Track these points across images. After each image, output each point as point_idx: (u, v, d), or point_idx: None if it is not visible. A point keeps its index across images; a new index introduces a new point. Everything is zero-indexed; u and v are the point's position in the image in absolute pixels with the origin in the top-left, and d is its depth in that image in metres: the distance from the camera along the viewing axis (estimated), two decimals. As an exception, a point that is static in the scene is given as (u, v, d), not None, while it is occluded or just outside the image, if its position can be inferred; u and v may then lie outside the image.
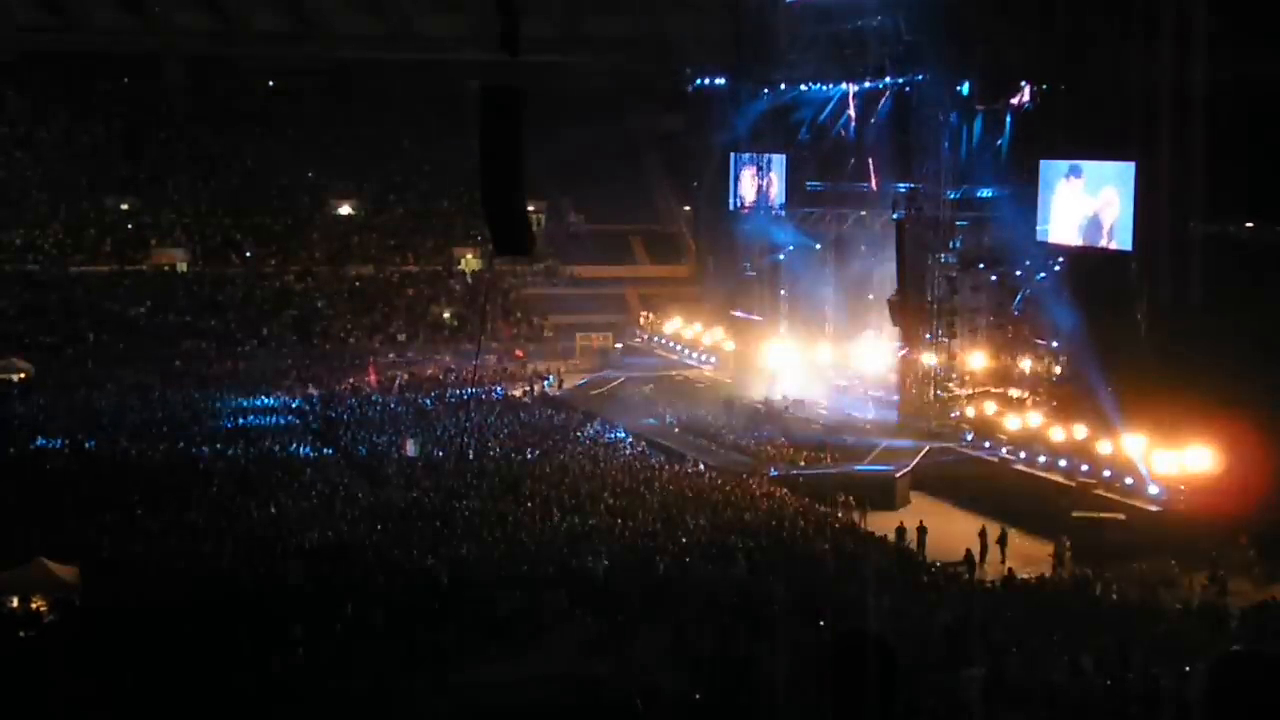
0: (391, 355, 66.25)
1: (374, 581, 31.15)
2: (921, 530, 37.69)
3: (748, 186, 64.40)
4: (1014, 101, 48.96)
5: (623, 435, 50.04)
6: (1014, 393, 48.38)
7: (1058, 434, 43.15)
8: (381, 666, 25.75)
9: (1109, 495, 39.73)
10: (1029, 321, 49.06)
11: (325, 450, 46.51)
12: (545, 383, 60.65)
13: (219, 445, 46.21)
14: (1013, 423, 45.48)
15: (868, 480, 43.50)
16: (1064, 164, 46.97)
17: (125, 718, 23.95)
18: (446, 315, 71.96)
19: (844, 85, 57.20)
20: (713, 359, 64.44)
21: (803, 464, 45.90)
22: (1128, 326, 42.54)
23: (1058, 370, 47.60)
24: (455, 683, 25.56)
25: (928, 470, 45.30)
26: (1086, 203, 45.86)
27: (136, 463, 44.00)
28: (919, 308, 50.50)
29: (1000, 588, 33.78)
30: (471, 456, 44.90)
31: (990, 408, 47.20)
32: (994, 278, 50.25)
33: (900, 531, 37.58)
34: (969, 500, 41.99)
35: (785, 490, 41.89)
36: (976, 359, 49.91)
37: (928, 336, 50.47)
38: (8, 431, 48.10)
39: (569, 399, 58.25)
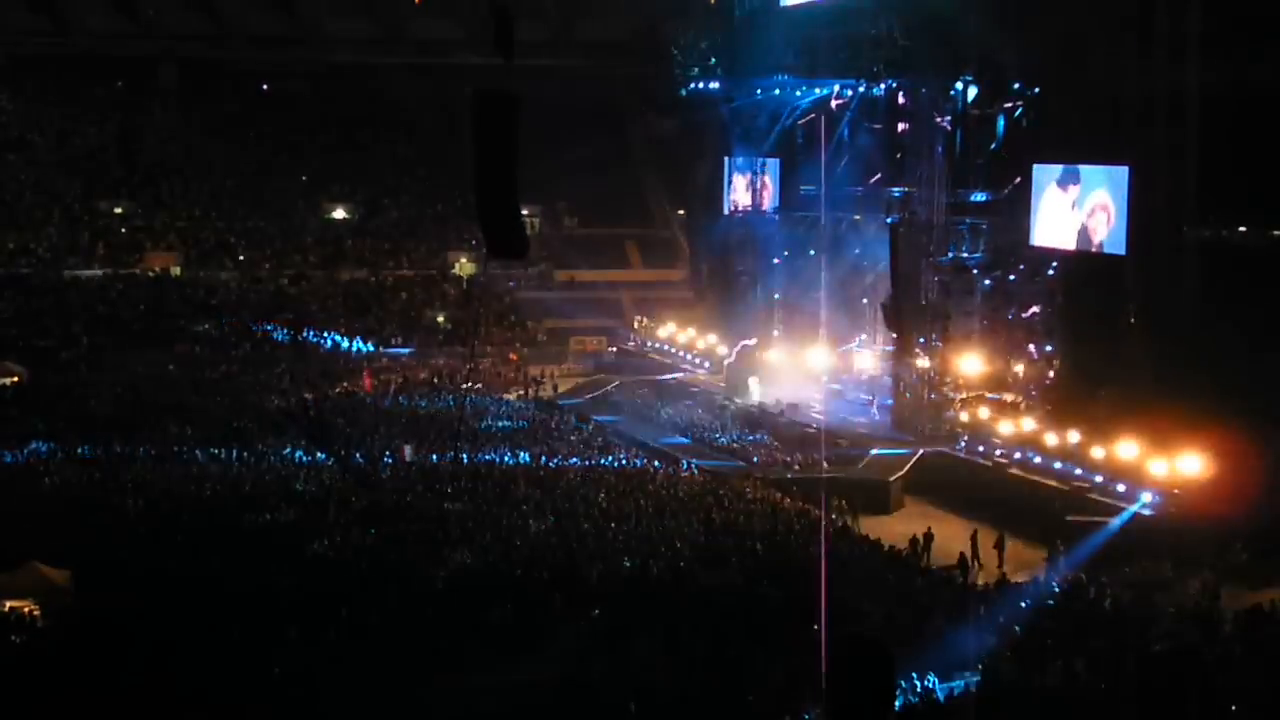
0: (385, 360, 66.11)
1: (368, 586, 31.10)
2: (928, 537, 37.62)
3: (742, 190, 64.49)
4: (1007, 105, 49.09)
5: (616, 439, 50.05)
6: (1008, 397, 48.43)
7: (1051, 438, 43.18)
8: (376, 671, 25.72)
9: (1102, 499, 39.82)
10: (1023, 325, 49.12)
11: (319, 454, 46.39)
12: (539, 387, 60.65)
13: (212, 449, 46.17)
14: (1007, 427, 45.51)
15: (862, 484, 43.55)
16: (1058, 168, 47.02)
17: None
18: (440, 319, 71.90)
19: (838, 89, 57.30)
20: (706, 363, 64.46)
21: (797, 468, 45.92)
22: (1121, 330, 42.60)
23: (1051, 374, 47.64)
24: (449, 688, 25.53)
25: (922, 474, 45.37)
26: (1080, 207, 45.88)
27: (129, 467, 43.88)
28: (913, 311, 50.54)
29: (994, 591, 33.76)
30: (465, 460, 44.88)
31: (984, 412, 47.24)
32: (987, 282, 50.34)
33: (914, 542, 37.40)
34: (963, 504, 42.05)
35: (779, 494, 41.90)
36: (970, 363, 49.94)
37: (921, 340, 50.50)
38: (1, 435, 47.97)
39: (563, 403, 58.20)
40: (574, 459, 46.08)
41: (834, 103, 57.95)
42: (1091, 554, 35.94)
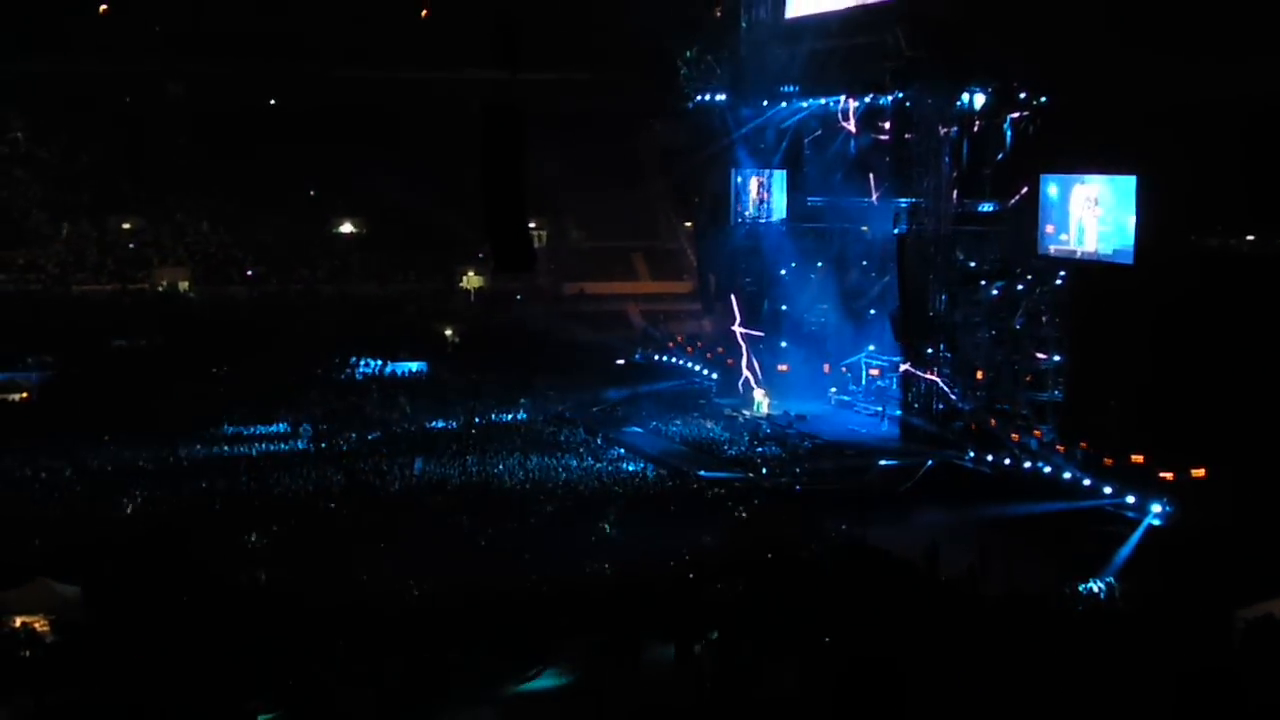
0: (393, 374, 66.03)
1: (380, 599, 31.10)
2: (937, 548, 37.51)
3: (749, 202, 64.47)
4: (1014, 115, 49.04)
5: (625, 450, 50.02)
6: (1016, 407, 48.34)
7: (1060, 448, 43.07)
8: (389, 685, 25.73)
9: (1113, 510, 39.74)
10: (1031, 335, 49.05)
11: (327, 469, 46.39)
12: (547, 399, 60.57)
13: (221, 466, 46.18)
14: (1015, 437, 45.42)
15: (870, 495, 43.47)
16: (1065, 178, 46.98)
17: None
18: (449, 333, 71.94)
19: (844, 100, 57.34)
20: (714, 374, 64.40)
21: (805, 479, 45.86)
22: (1129, 340, 42.52)
23: (1060, 384, 47.56)
24: (461, 700, 25.55)
25: (930, 485, 45.27)
26: (1087, 216, 45.83)
27: (139, 482, 43.89)
28: (921, 322, 50.53)
29: (1003, 603, 33.66)
30: (474, 473, 44.91)
31: (993, 422, 47.16)
32: (995, 291, 50.26)
33: (926, 554, 37.31)
34: (972, 515, 41.93)
35: (788, 505, 41.84)
36: (978, 373, 49.86)
37: (929, 351, 50.48)
38: (9, 450, 48.01)
39: (571, 415, 58.15)
40: (582, 471, 46.08)
41: (840, 114, 57.98)
42: (1103, 565, 35.87)
